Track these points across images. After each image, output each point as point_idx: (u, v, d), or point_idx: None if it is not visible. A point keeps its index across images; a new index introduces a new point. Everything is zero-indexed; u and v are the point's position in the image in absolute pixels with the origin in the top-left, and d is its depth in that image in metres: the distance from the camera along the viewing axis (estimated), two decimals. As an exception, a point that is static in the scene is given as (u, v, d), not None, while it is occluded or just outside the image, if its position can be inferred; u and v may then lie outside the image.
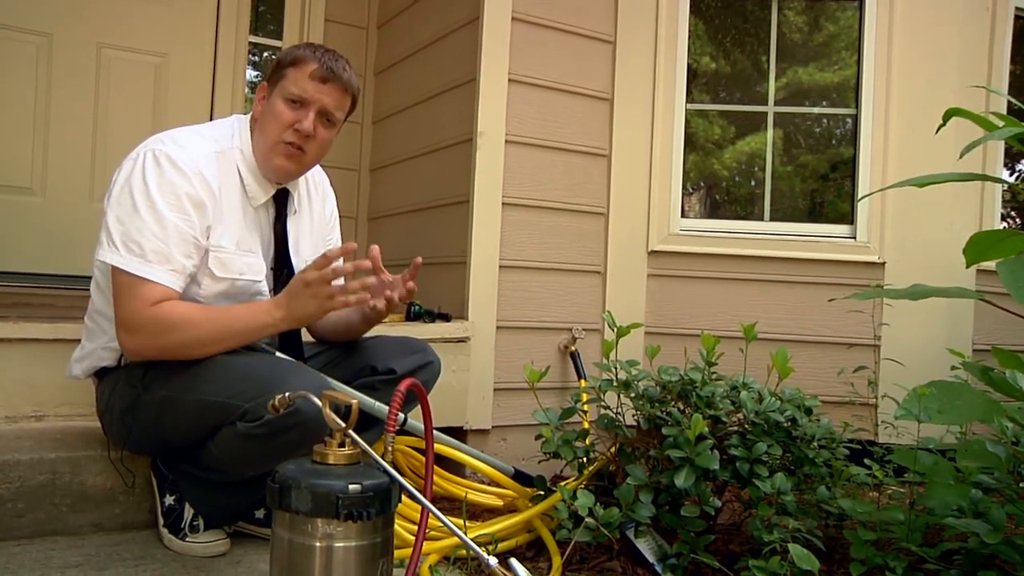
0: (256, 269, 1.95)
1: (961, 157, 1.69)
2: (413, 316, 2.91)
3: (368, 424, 1.86)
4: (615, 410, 2.34)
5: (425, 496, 1.44)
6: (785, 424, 2.22)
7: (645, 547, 2.08)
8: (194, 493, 1.91)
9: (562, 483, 2.25)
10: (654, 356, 2.46)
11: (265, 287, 1.98)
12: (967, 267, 1.73)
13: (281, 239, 2.04)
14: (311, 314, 1.80)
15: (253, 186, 1.96)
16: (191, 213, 1.81)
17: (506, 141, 3.02)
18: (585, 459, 2.32)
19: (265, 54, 3.97)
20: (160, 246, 1.76)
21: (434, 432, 1.58)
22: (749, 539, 2.12)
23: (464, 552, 2.02)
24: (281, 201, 2.04)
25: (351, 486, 1.33)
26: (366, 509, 1.33)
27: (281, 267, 2.04)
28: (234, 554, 1.91)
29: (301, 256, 2.07)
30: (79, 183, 3.42)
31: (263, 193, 1.98)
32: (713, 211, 3.67)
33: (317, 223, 2.17)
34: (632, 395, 2.31)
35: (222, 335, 1.79)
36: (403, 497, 1.42)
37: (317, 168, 2.17)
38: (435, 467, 1.90)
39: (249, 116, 2.03)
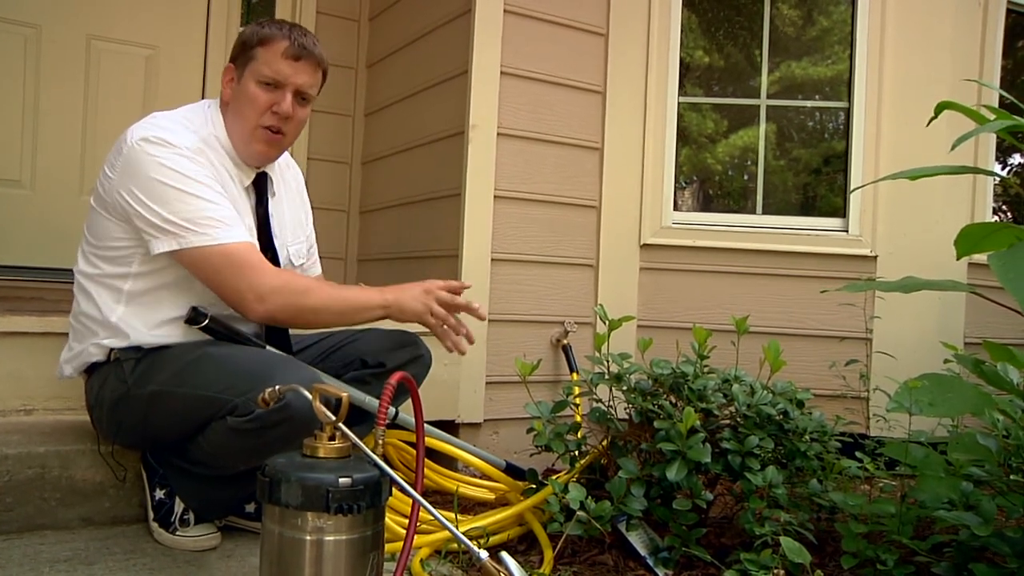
0: None
1: (953, 149, 1.69)
2: (405, 309, 2.90)
3: (359, 418, 1.86)
4: (607, 403, 2.33)
5: (416, 489, 1.43)
6: (777, 417, 2.22)
7: (637, 540, 2.08)
8: (184, 487, 1.91)
9: (554, 476, 2.25)
10: (646, 349, 2.46)
11: None
12: (958, 259, 1.74)
13: (264, 222, 2.03)
14: (412, 312, 1.89)
15: (234, 171, 1.96)
16: (216, 185, 1.85)
17: (498, 134, 3.01)
18: (577, 452, 2.32)
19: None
20: (224, 212, 1.81)
21: (425, 426, 1.57)
22: (741, 532, 2.12)
23: (455, 546, 2.01)
24: (260, 185, 2.03)
25: (341, 479, 1.32)
26: (356, 502, 1.32)
27: (265, 250, 2.01)
28: (224, 548, 1.91)
29: (282, 239, 2.07)
30: (68, 176, 3.39)
31: (244, 178, 1.99)
32: (706, 204, 3.66)
33: (295, 202, 2.17)
34: (624, 388, 2.30)
35: (340, 305, 1.87)
36: (394, 491, 1.42)
37: None
38: (426, 461, 1.89)
39: (218, 101, 2.00)
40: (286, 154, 2.20)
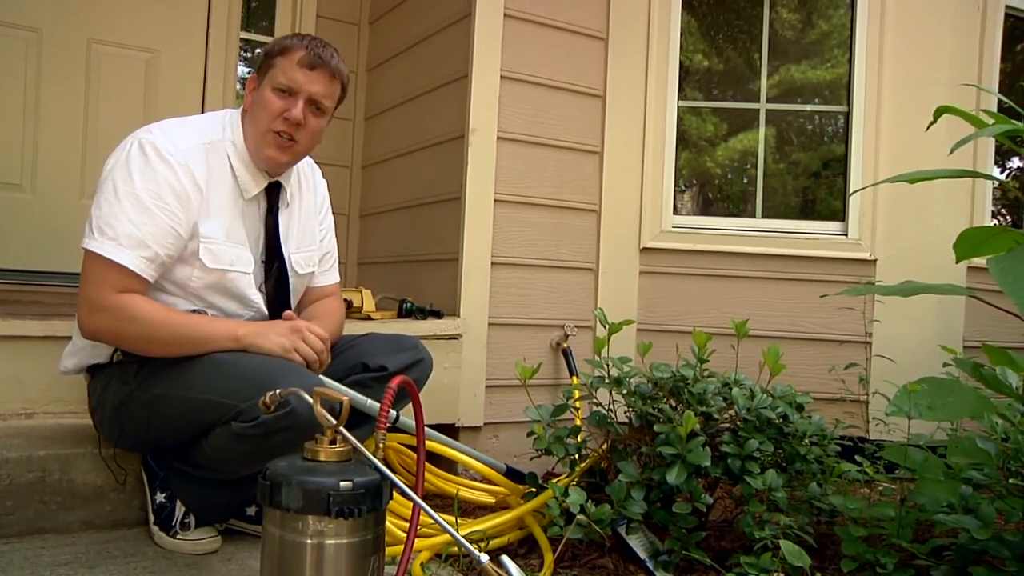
0: (244, 261, 1.96)
1: (951, 153, 1.70)
2: (405, 313, 2.90)
3: (360, 421, 1.86)
4: (607, 407, 2.34)
5: (417, 493, 1.44)
6: (777, 421, 2.22)
7: (637, 544, 2.08)
8: (185, 490, 1.91)
9: (554, 480, 2.25)
10: (646, 353, 2.46)
11: (253, 280, 1.99)
12: (957, 262, 1.74)
13: (272, 232, 2.04)
14: (272, 345, 1.81)
15: (246, 178, 1.97)
16: (172, 204, 1.82)
17: (498, 138, 3.01)
18: (577, 456, 2.32)
19: (257, 50, 3.95)
20: (134, 231, 1.77)
21: (426, 429, 1.57)
22: (741, 536, 2.12)
23: (456, 549, 2.01)
24: (273, 194, 2.04)
25: (342, 483, 1.32)
26: (357, 506, 1.33)
27: (272, 259, 2.04)
28: (225, 551, 1.91)
29: (289, 248, 2.08)
30: (69, 180, 3.40)
31: (256, 185, 1.99)
32: (705, 208, 3.67)
33: (307, 215, 2.16)
34: (624, 392, 2.31)
35: (179, 338, 1.80)
36: (395, 494, 1.42)
37: (307, 159, 2.17)
38: (427, 464, 1.90)
39: (240, 109, 2.03)
40: (314, 168, 2.23)
